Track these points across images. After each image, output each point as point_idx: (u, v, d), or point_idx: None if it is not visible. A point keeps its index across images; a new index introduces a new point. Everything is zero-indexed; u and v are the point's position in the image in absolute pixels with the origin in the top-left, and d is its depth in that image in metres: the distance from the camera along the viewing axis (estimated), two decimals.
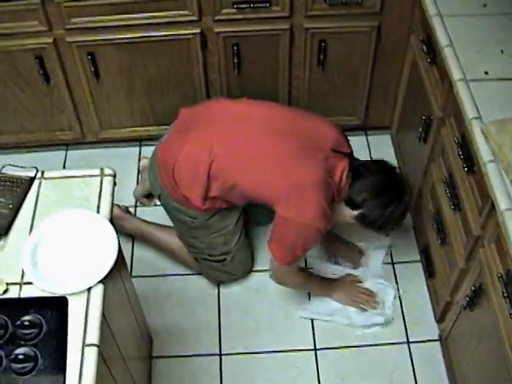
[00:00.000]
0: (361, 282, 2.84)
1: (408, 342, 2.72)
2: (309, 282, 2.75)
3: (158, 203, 2.74)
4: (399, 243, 3.02)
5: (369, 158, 3.29)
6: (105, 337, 1.70)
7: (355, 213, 2.43)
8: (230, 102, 2.63)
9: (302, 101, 3.13)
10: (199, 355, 2.69)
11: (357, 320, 2.77)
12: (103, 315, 1.69)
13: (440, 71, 2.48)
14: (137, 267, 2.93)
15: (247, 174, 2.36)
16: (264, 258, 2.85)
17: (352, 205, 2.42)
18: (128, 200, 3.17)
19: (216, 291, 2.88)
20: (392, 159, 3.25)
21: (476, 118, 2.11)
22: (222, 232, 2.63)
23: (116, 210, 3.02)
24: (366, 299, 2.78)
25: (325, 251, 2.98)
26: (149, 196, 3.14)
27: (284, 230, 2.37)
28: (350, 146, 2.49)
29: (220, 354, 2.69)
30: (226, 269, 2.77)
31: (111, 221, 1.86)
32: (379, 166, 2.49)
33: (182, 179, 2.43)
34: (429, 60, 2.57)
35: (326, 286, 2.81)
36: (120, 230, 3.00)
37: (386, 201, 2.39)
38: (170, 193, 2.50)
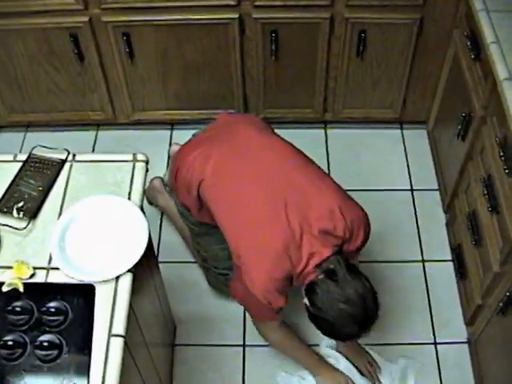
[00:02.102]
0: None
1: (435, 343, 2.67)
2: (295, 349, 2.51)
3: None
4: (431, 240, 2.96)
5: (403, 154, 3.26)
6: (130, 325, 1.68)
7: (307, 301, 2.09)
8: (255, 132, 2.32)
9: (338, 91, 3.08)
10: (223, 345, 2.66)
11: None
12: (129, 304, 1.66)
13: (483, 68, 2.41)
14: (164, 252, 2.90)
15: (221, 214, 2.22)
16: None
17: (309, 293, 2.08)
18: None
19: None
20: (427, 154, 3.22)
21: None
22: (224, 245, 2.42)
23: (157, 182, 3.02)
24: None
25: None
26: None
27: (237, 286, 2.24)
28: (353, 233, 2.13)
29: (244, 345, 2.67)
30: (229, 285, 2.63)
31: (142, 208, 1.83)
32: (360, 281, 2.05)
33: (179, 189, 2.38)
34: (472, 56, 2.50)
35: (314, 363, 2.55)
36: (153, 202, 3.03)
37: (344, 312, 2.01)
38: (175, 196, 2.47)
